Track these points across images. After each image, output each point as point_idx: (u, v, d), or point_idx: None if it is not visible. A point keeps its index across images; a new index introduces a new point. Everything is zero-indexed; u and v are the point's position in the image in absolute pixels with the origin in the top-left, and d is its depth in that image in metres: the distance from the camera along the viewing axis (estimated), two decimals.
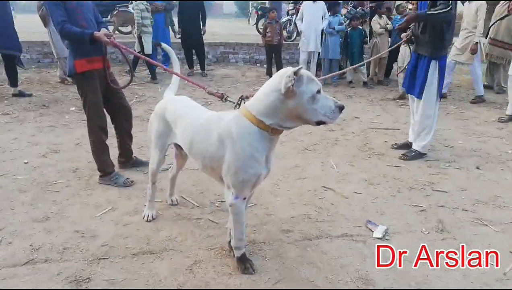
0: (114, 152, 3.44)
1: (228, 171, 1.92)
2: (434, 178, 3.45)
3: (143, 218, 2.68)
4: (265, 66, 9.09)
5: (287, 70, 1.75)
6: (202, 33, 7.75)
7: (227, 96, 2.18)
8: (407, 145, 4.09)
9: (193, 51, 8.01)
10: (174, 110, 2.25)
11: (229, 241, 2.31)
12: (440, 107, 6.02)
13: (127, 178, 3.22)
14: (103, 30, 2.93)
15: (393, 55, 7.05)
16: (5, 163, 3.57)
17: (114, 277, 2.11)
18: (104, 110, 3.16)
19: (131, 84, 3.28)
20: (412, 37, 3.82)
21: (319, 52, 7.39)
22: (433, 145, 4.25)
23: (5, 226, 2.57)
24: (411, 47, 3.91)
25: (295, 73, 1.70)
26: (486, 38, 6.69)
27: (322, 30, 7.25)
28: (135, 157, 3.56)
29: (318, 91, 1.76)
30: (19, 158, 3.68)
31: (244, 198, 2.01)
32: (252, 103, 1.86)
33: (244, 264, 2.15)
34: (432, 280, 2.13)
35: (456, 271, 2.21)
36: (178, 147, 2.46)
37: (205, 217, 2.74)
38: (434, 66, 3.63)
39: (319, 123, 1.81)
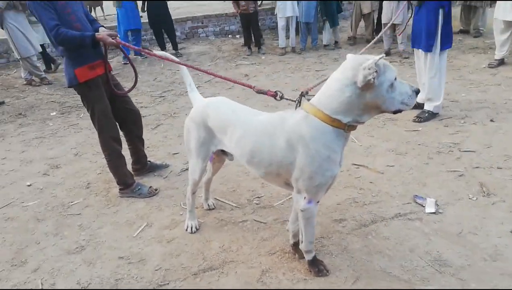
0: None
1: (301, 175, 1.77)
2: (456, 138, 3.45)
3: (186, 230, 2.51)
4: (238, 36, 8.76)
5: (361, 61, 1.58)
6: None
7: (282, 94, 1.97)
8: (418, 106, 4.06)
9: (163, 30, 7.55)
10: (220, 117, 2.04)
11: (293, 244, 2.21)
12: None
13: (150, 187, 3.00)
14: (104, 30, 2.60)
15: (380, 10, 6.91)
16: (6, 189, 3.23)
17: None
18: None
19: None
20: None
21: (297, 16, 7.14)
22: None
23: (39, 265, 2.32)
24: (413, 2, 3.78)
25: (375, 63, 1.54)
26: None
27: None
28: (149, 161, 3.32)
29: (395, 78, 1.62)
30: (19, 181, 3.34)
31: (318, 202, 1.88)
32: (322, 101, 1.69)
33: (317, 266, 2.05)
34: (502, 250, 2.13)
35: None
36: (218, 151, 2.27)
37: (250, 218, 2.60)
38: (440, 13, 3.55)
39: (396, 111, 1.68)
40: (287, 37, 7.41)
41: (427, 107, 3.90)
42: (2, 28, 5.74)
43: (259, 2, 10.64)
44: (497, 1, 5.16)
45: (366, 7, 7.08)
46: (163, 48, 7.62)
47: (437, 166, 3.03)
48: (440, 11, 3.55)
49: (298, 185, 1.83)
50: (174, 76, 6.37)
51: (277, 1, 7.11)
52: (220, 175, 3.12)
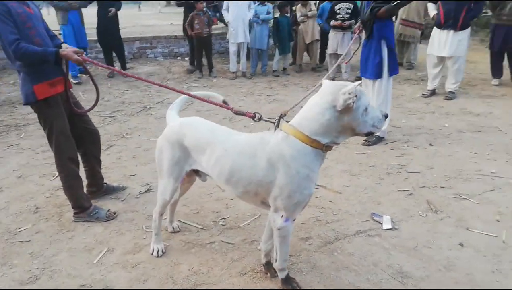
0: None
1: (281, 194, 1.82)
2: (402, 160, 3.74)
3: (152, 253, 2.42)
4: (187, 59, 8.75)
5: (340, 87, 1.70)
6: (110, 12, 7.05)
7: (261, 115, 2.03)
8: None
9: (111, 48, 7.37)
10: (197, 136, 2.04)
11: (265, 263, 2.23)
12: None
13: (108, 210, 2.86)
14: (67, 46, 2.51)
15: (324, 41, 7.34)
16: None
17: None
18: None
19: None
20: (361, 27, 4.02)
21: (247, 43, 7.37)
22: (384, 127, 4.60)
23: None
24: (362, 35, 4.12)
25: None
26: (396, 20, 7.35)
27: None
28: (105, 183, 3.17)
29: (368, 103, 1.77)
30: None
31: (294, 220, 1.94)
32: (302, 123, 1.77)
33: (291, 284, 2.09)
34: (454, 261, 2.33)
35: (467, 249, 2.45)
36: (189, 172, 2.25)
37: (217, 239, 2.59)
38: (384, 45, 3.91)
39: (368, 134, 1.82)
40: (238, 62, 7.59)
41: None
42: None
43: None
44: (431, 38, 5.75)
45: (308, 37, 7.48)
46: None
47: (388, 186, 3.25)
48: (384, 42, 3.91)
49: (276, 204, 1.88)
50: (123, 96, 6.21)
51: (229, 27, 7.29)
52: (182, 197, 3.08)
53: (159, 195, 2.28)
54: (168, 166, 2.16)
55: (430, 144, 4.10)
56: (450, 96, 5.75)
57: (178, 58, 9.27)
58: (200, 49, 7.35)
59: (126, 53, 8.55)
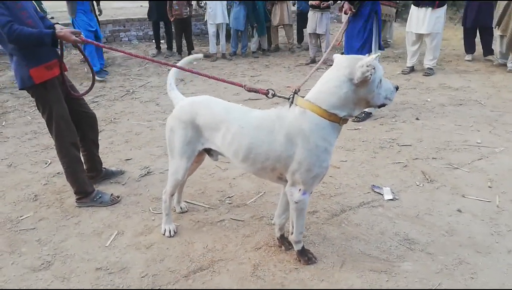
0: None
1: (299, 168, 1.86)
2: (392, 134, 3.87)
3: (163, 234, 2.43)
4: (163, 42, 8.53)
5: (357, 60, 1.74)
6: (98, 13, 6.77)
7: (274, 91, 2.05)
8: None
9: None
10: (211, 114, 2.04)
11: (280, 236, 2.29)
12: None
13: (112, 194, 2.83)
14: (61, 27, 2.41)
15: (303, 22, 7.35)
16: None
17: None
18: None
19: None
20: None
21: (227, 23, 7.27)
22: None
23: (1, 287, 2.06)
24: (349, 15, 4.16)
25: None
26: None
27: None
28: (104, 168, 3.12)
29: (382, 75, 1.82)
30: None
31: (311, 193, 2.00)
32: (319, 97, 1.81)
33: (306, 255, 2.17)
34: (455, 226, 2.48)
35: (465, 214, 2.60)
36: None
37: (226, 217, 2.62)
38: (374, 18, 4.01)
39: (381, 105, 1.88)
40: (217, 43, 7.49)
41: None
42: None
43: (193, 4, 10.54)
44: (409, 16, 5.88)
45: (276, 20, 7.46)
46: None
47: (383, 159, 3.37)
48: (373, 16, 3.98)
49: (294, 178, 1.93)
50: (102, 80, 6.02)
51: (208, 8, 7.16)
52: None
53: (171, 175, 2.28)
54: (180, 146, 2.15)
55: (417, 118, 4.25)
56: (429, 72, 5.94)
57: (153, 40, 9.01)
58: (179, 31, 7.20)
59: None
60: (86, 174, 2.99)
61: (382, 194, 2.83)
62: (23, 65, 2.37)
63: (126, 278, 2.10)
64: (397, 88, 1.91)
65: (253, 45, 7.68)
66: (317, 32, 6.80)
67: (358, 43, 4.04)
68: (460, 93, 5.10)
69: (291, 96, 1.93)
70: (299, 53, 7.80)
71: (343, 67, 1.78)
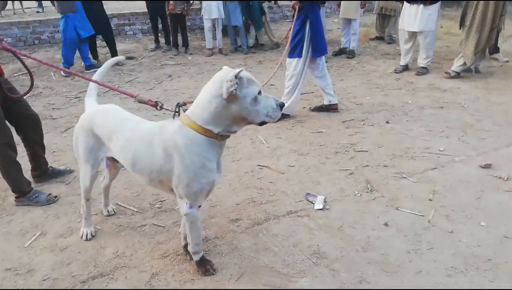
0: (25, 166, 3.04)
1: (180, 183, 1.85)
2: (354, 139, 3.74)
3: (81, 237, 2.48)
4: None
5: (226, 74, 1.69)
6: None
7: (162, 104, 2.04)
8: (322, 108, 4.37)
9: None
10: (105, 124, 2.06)
11: (184, 246, 2.28)
12: (344, 64, 6.49)
13: (49, 194, 2.91)
14: None
15: None
16: None
17: None
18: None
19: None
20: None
21: (222, 19, 7.24)
22: (346, 105, 4.58)
23: None
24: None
25: (236, 76, 1.65)
26: None
27: None
28: (51, 167, 3.21)
29: (259, 92, 1.75)
30: None
31: (199, 206, 1.97)
32: (195, 112, 1.77)
33: (204, 266, 2.15)
34: (374, 241, 2.38)
35: (391, 228, 2.49)
36: (110, 158, 2.28)
37: (149, 222, 2.64)
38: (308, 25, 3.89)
39: (262, 123, 1.81)
40: (214, 38, 7.47)
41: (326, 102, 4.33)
42: None
43: (191, 2, 10.58)
44: (401, 13, 5.62)
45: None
46: (95, 58, 7.01)
47: (332, 165, 3.27)
48: (308, 22, 3.86)
49: (178, 192, 1.91)
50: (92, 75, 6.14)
51: (203, 3, 7.15)
52: (125, 179, 3.13)
53: (80, 181, 2.32)
54: (83, 153, 2.18)
55: (387, 122, 4.08)
56: (422, 71, 5.68)
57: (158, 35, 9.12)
58: (174, 26, 7.25)
59: None
60: (32, 172, 3.11)
61: (313, 203, 2.76)
62: None
63: (29, 280, 2.17)
64: (282, 105, 1.82)
65: (250, 40, 7.62)
66: None
67: (292, 43, 3.96)
68: (447, 95, 4.85)
69: (176, 109, 1.90)
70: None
71: (215, 81, 1.73)
